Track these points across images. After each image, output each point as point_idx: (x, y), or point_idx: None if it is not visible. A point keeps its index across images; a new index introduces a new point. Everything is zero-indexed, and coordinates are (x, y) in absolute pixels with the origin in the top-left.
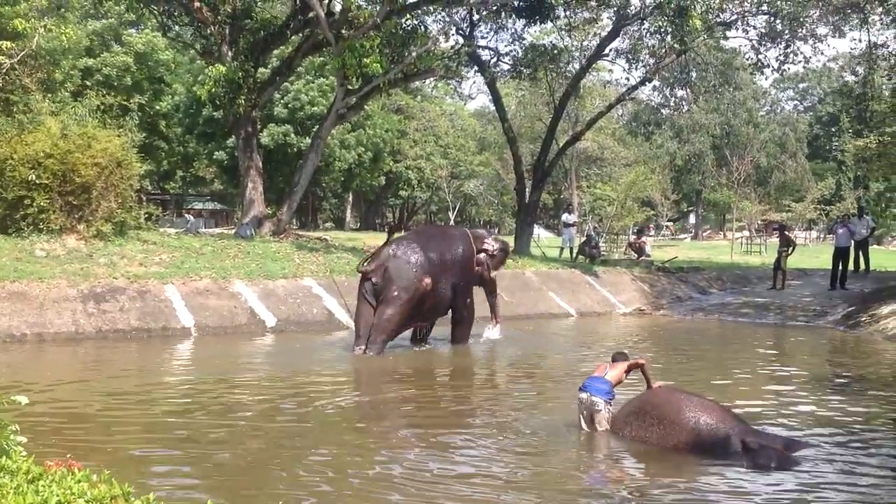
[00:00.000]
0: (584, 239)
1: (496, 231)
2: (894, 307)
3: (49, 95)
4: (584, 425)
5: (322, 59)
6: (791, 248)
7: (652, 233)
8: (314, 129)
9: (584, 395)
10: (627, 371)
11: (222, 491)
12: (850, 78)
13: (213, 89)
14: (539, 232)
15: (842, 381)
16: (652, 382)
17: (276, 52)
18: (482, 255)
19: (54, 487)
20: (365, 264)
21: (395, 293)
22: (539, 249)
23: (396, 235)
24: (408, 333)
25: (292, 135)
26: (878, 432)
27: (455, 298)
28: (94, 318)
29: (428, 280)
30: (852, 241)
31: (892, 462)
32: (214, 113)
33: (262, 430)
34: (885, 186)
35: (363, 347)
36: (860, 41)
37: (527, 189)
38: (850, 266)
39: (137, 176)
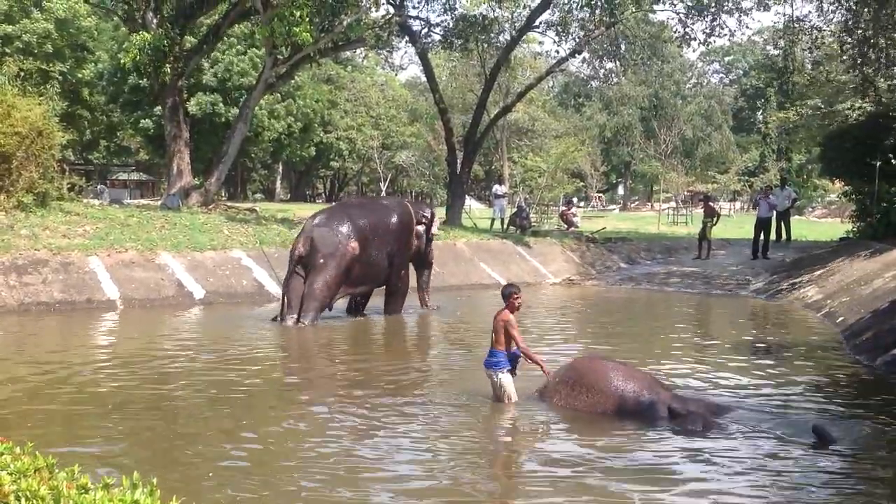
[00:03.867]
0: (514, 210)
1: (428, 202)
2: (813, 276)
3: None
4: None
5: (252, 27)
6: (715, 219)
7: (582, 203)
8: (243, 100)
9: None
10: (505, 327)
11: (149, 464)
12: (773, 51)
13: (138, 57)
14: (470, 203)
15: (762, 347)
16: (543, 367)
17: (205, 20)
18: (420, 227)
19: None
20: (297, 240)
21: (322, 261)
22: (470, 221)
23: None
24: (343, 305)
25: (220, 104)
26: (796, 396)
27: (390, 269)
28: (15, 291)
29: (354, 244)
30: (774, 212)
31: (807, 422)
32: (140, 81)
33: (190, 404)
34: (806, 158)
35: (295, 317)
36: (784, 15)
37: (458, 160)
38: (773, 236)
39: (59, 145)
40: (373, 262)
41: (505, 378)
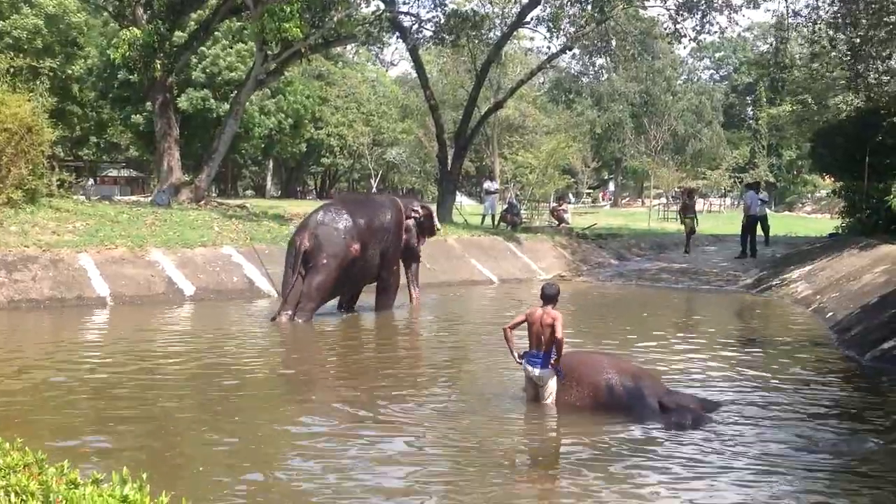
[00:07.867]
0: (505, 206)
1: (420, 198)
2: (803, 271)
3: None
4: (528, 396)
5: (241, 23)
6: (691, 213)
7: (572, 200)
8: (233, 95)
9: (528, 368)
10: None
11: (140, 461)
12: (765, 47)
13: (128, 53)
14: (461, 199)
15: (751, 342)
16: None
17: (192, 15)
18: (410, 221)
19: None
20: (299, 235)
21: (325, 261)
22: (461, 217)
23: (324, 202)
24: (334, 301)
25: (211, 100)
26: (785, 391)
27: (381, 266)
28: (5, 288)
29: (357, 245)
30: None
31: (796, 418)
32: (130, 77)
33: (181, 400)
34: (796, 154)
35: (290, 314)
36: (774, 11)
37: (449, 157)
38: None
39: (49, 142)
40: (368, 262)
41: (554, 380)
